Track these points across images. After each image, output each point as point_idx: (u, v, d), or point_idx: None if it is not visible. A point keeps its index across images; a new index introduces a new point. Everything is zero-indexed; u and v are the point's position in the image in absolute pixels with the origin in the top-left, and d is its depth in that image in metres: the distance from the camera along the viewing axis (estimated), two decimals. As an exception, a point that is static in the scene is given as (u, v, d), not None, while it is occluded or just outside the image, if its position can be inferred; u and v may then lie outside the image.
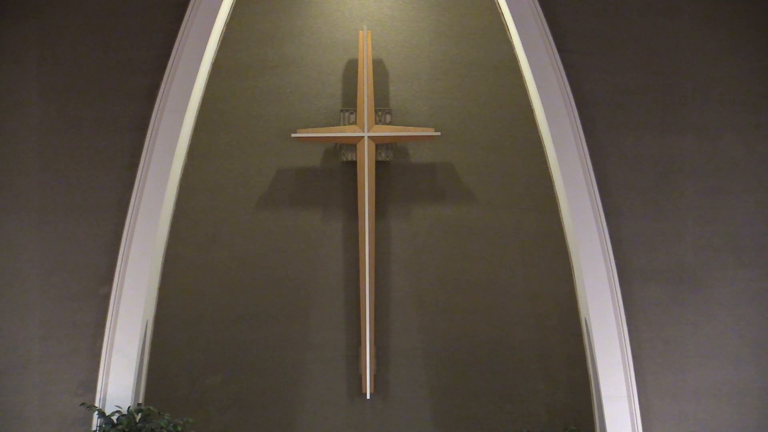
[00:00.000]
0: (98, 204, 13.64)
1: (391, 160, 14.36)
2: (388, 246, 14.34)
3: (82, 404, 13.15)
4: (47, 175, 13.71)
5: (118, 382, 13.21)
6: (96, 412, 13.00)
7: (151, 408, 13.00)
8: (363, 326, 14.07)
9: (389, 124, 14.29)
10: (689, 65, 13.78)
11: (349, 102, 14.35)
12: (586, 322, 13.49)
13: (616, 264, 13.40)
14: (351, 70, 14.38)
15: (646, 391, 13.41)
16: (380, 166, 14.29)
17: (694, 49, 13.79)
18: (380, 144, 14.22)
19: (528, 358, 14.18)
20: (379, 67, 14.38)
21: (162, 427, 12.75)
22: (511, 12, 13.60)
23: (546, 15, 13.56)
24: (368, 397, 14.08)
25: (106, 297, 13.40)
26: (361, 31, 14.18)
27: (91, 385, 13.36)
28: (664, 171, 13.70)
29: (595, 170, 13.49)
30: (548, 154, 13.84)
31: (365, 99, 14.08)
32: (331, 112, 14.37)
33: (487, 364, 14.21)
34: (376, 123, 14.22)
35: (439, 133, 14.11)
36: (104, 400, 13.17)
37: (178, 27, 13.54)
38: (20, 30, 13.80)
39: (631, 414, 13.19)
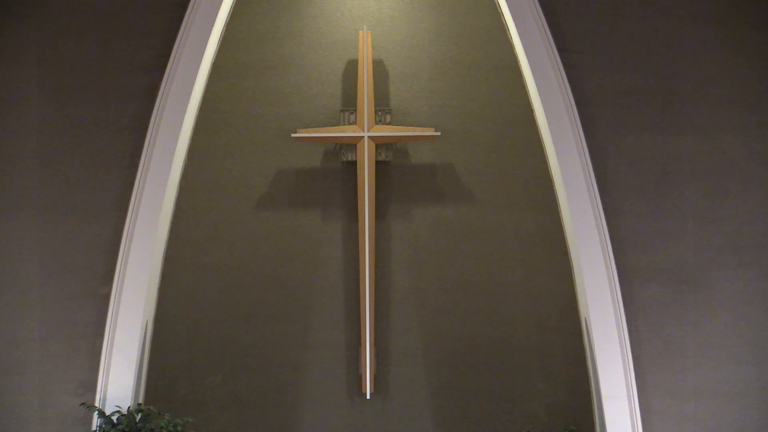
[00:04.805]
0: (98, 204, 13.65)
1: (391, 160, 14.36)
2: (388, 246, 14.34)
3: (82, 404, 13.15)
4: (47, 175, 13.71)
5: (118, 382, 13.21)
6: (96, 412, 13.00)
7: (151, 408, 13.00)
8: (363, 326, 14.07)
9: (389, 124, 14.29)
10: (689, 65, 13.78)
11: (349, 102, 14.35)
12: (586, 322, 13.49)
13: (616, 264, 13.40)
14: (351, 70, 14.38)
15: (646, 391, 13.42)
16: (380, 166, 14.29)
17: (694, 49, 13.79)
18: (380, 144, 14.22)
19: (528, 358, 14.18)
20: (379, 67, 14.38)
21: (162, 427, 12.76)
22: (511, 12, 13.60)
23: (546, 15, 13.56)
24: (368, 397, 14.08)
25: (106, 297, 13.40)
26: (361, 31, 14.18)
27: (91, 385, 13.36)
28: (664, 171, 13.70)
29: (595, 170, 13.49)
30: (548, 154, 13.84)
31: (365, 99, 14.08)
32: (331, 112, 14.37)
33: (487, 364, 14.21)
34: (376, 123, 14.23)
35: (439, 133, 14.11)
36: (104, 400, 13.17)
37: (178, 27, 13.55)
38: (20, 30, 13.80)
39: (631, 414, 13.19)
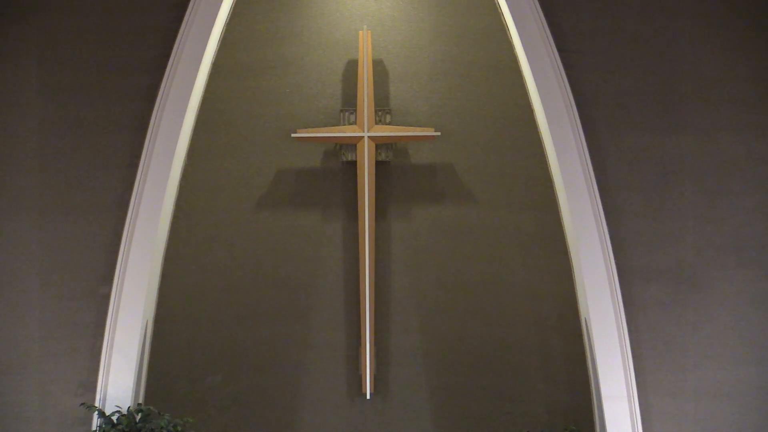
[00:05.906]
0: (98, 204, 13.65)
1: (391, 160, 14.36)
2: (388, 246, 14.34)
3: (82, 404, 13.15)
4: (47, 175, 13.71)
5: (118, 382, 13.21)
6: (96, 412, 13.00)
7: (151, 408, 13.00)
8: (363, 326, 14.08)
9: (389, 124, 14.29)
10: (689, 65, 13.78)
11: (349, 102, 14.35)
12: (586, 322, 13.49)
13: (616, 264, 13.40)
14: (351, 70, 14.38)
15: (646, 391, 13.42)
16: (380, 167, 14.29)
17: (694, 49, 13.79)
18: (380, 144, 14.23)
19: (528, 358, 14.18)
20: (379, 67, 14.39)
21: (162, 427, 12.76)
22: (511, 12, 13.60)
23: (546, 15, 13.56)
24: (368, 397, 14.08)
25: (106, 297, 13.40)
26: (361, 31, 14.19)
27: (91, 385, 13.37)
28: (664, 171, 13.70)
29: (595, 170, 13.49)
30: (548, 154, 13.84)
31: (365, 99, 14.08)
32: (331, 112, 14.37)
33: (487, 364, 14.21)
34: (376, 123, 14.23)
35: (439, 133, 14.11)
36: (104, 400, 13.18)
37: (178, 27, 13.55)
38: (20, 30, 13.80)
39: (631, 414, 13.19)
